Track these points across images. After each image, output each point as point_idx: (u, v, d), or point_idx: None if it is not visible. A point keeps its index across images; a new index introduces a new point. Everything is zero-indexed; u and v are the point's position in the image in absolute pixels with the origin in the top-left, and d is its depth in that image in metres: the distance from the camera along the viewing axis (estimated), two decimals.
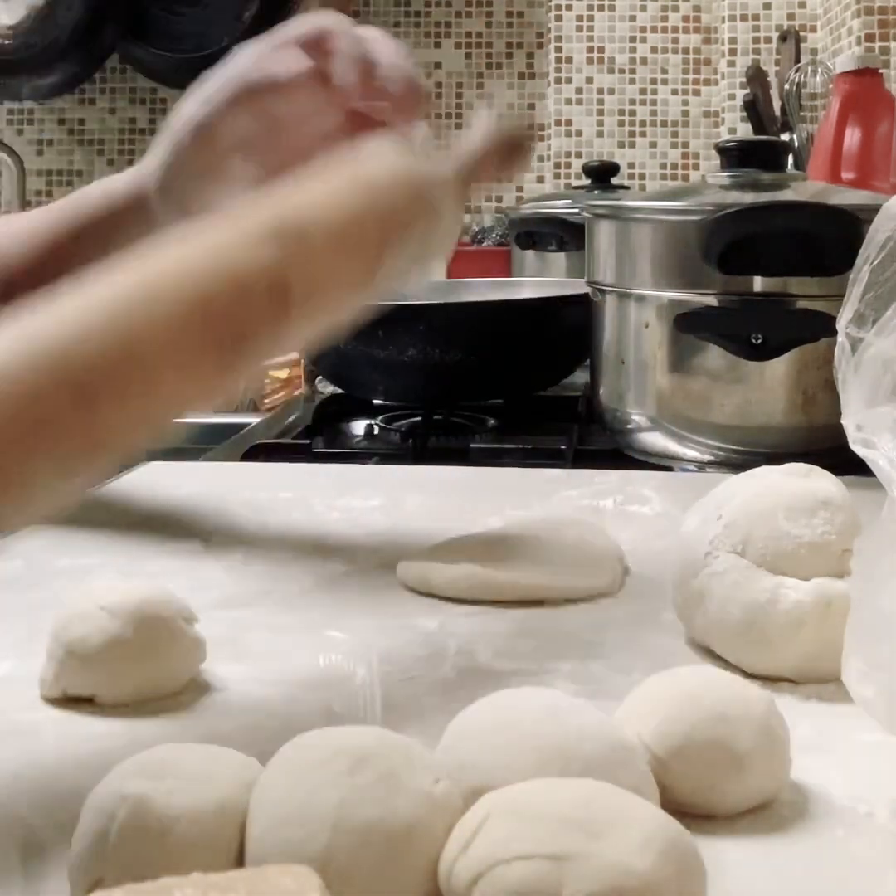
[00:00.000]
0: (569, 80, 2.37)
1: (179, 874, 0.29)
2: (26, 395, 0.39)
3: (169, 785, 0.36)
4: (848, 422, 0.46)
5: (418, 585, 0.65)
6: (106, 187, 0.66)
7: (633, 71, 2.35)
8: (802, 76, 1.93)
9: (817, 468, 0.57)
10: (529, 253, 1.74)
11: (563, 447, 1.01)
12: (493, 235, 2.21)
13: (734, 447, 0.93)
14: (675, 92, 2.35)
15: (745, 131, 2.07)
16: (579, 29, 2.36)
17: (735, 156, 0.99)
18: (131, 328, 0.42)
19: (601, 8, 2.35)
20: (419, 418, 1.14)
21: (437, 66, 2.52)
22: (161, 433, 0.44)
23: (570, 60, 2.36)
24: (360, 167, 0.52)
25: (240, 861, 0.36)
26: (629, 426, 0.98)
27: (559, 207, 1.74)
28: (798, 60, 2.04)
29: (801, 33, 2.12)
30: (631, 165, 2.32)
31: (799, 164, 1.80)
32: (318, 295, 0.48)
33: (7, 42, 2.30)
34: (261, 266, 0.45)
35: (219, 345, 0.44)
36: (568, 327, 1.10)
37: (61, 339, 0.41)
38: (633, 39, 2.35)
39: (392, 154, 0.53)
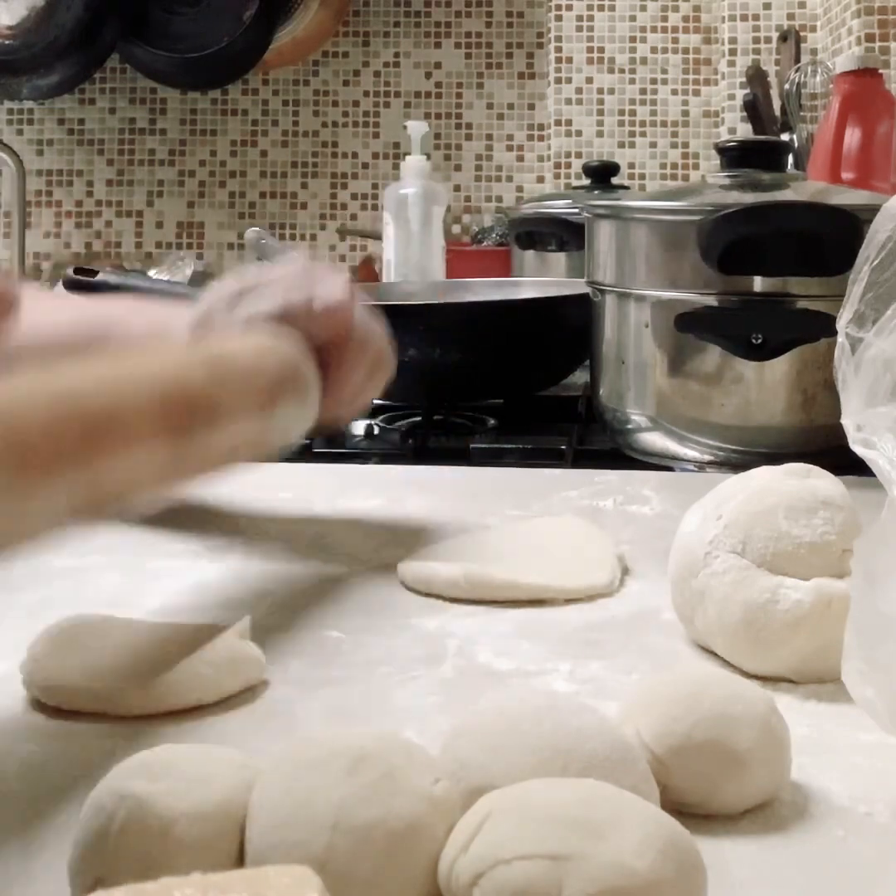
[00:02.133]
0: (569, 80, 2.36)
1: (179, 874, 0.29)
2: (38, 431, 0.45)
3: (169, 785, 0.36)
4: (848, 422, 0.46)
5: (418, 585, 0.65)
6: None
7: (633, 71, 2.35)
8: (802, 76, 1.93)
9: (817, 468, 0.57)
10: (529, 253, 1.74)
11: (563, 447, 1.01)
12: (493, 235, 2.20)
13: (734, 447, 0.93)
14: (675, 92, 2.35)
15: (745, 131, 2.07)
16: (579, 29, 2.35)
17: (735, 156, 0.99)
18: (111, 401, 0.51)
19: (601, 8, 2.35)
20: (419, 418, 1.14)
21: (437, 66, 2.52)
22: (122, 501, 0.52)
23: (570, 60, 2.36)
24: (257, 339, 0.67)
25: (240, 861, 0.36)
26: (629, 426, 0.98)
27: (559, 207, 1.73)
28: (798, 60, 2.04)
29: (801, 33, 2.12)
30: (631, 165, 2.32)
31: (799, 164, 1.80)
32: (235, 411, 0.60)
33: (7, 42, 2.30)
34: (199, 376, 0.58)
35: (171, 429, 0.54)
36: (568, 327, 1.10)
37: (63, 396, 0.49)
38: (633, 39, 2.35)
39: (277, 336, 0.68)
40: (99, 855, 0.35)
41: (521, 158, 2.51)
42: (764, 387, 0.91)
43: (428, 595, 0.64)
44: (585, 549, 0.68)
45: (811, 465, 0.57)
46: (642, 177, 2.35)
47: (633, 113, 2.36)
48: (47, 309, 0.81)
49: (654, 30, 2.35)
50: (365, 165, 2.55)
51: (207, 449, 0.57)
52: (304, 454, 1.01)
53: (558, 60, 2.37)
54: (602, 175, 1.82)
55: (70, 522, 0.48)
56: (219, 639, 0.53)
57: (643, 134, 2.36)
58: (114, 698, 0.50)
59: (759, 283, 0.91)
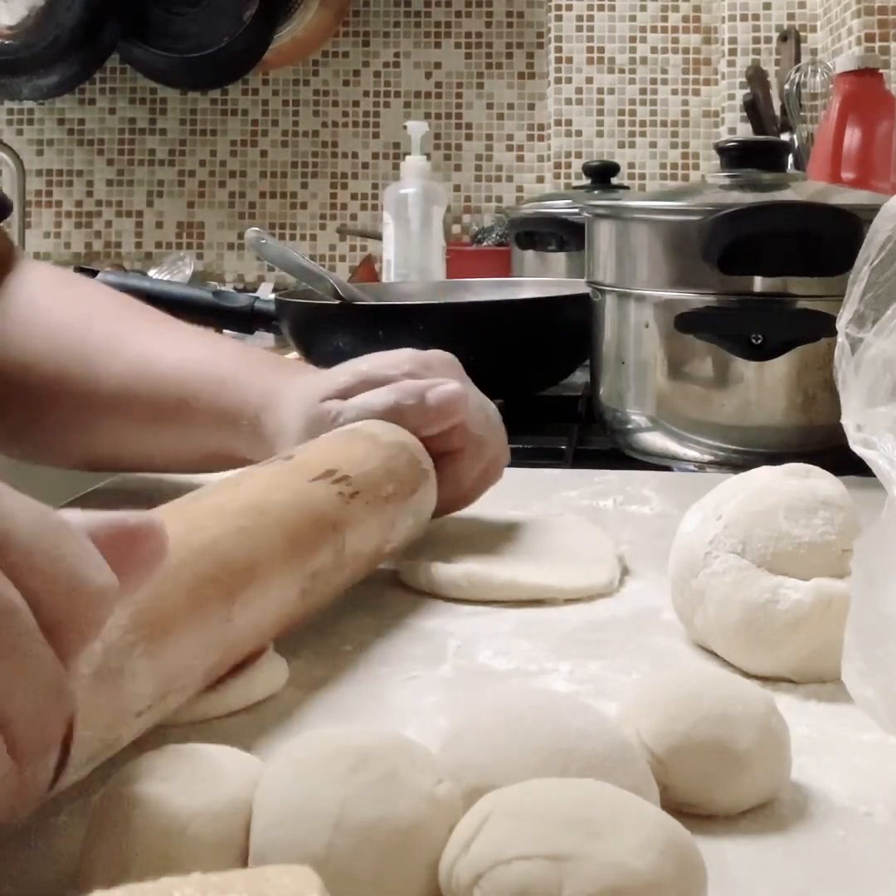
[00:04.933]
0: (569, 80, 2.37)
1: (197, 872, 0.29)
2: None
3: (179, 784, 0.36)
4: (848, 422, 0.46)
5: (418, 585, 0.65)
6: (230, 403, 0.75)
7: (633, 71, 2.35)
8: (802, 76, 1.93)
9: (817, 468, 0.57)
10: (529, 253, 1.74)
11: (563, 447, 1.01)
12: (493, 235, 2.21)
13: (734, 447, 0.93)
14: (675, 92, 2.35)
15: (745, 131, 2.07)
16: (579, 29, 2.36)
17: (735, 156, 0.99)
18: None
19: (601, 8, 2.35)
20: None
21: (437, 66, 2.52)
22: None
23: (570, 60, 2.36)
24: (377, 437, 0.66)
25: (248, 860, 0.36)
26: (629, 426, 0.98)
27: (559, 207, 1.74)
28: (798, 60, 2.04)
29: (801, 33, 2.12)
30: (631, 165, 2.32)
31: (799, 164, 1.80)
32: (362, 540, 0.60)
33: (7, 42, 2.30)
34: (328, 508, 0.57)
35: (296, 567, 0.53)
36: (568, 327, 1.10)
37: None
38: (633, 39, 2.35)
39: (394, 432, 0.67)
40: (114, 855, 0.35)
41: (521, 158, 2.51)
42: (764, 387, 0.91)
43: (428, 595, 0.64)
44: (585, 549, 0.68)
45: (811, 465, 0.57)
46: (642, 177, 2.35)
47: (633, 113, 2.36)
48: (183, 335, 0.81)
49: (654, 30, 2.35)
50: (365, 165, 2.55)
51: (337, 570, 0.58)
52: None
53: (558, 60, 2.37)
54: (602, 175, 1.82)
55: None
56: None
57: (643, 134, 2.36)
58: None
59: (759, 283, 0.91)
